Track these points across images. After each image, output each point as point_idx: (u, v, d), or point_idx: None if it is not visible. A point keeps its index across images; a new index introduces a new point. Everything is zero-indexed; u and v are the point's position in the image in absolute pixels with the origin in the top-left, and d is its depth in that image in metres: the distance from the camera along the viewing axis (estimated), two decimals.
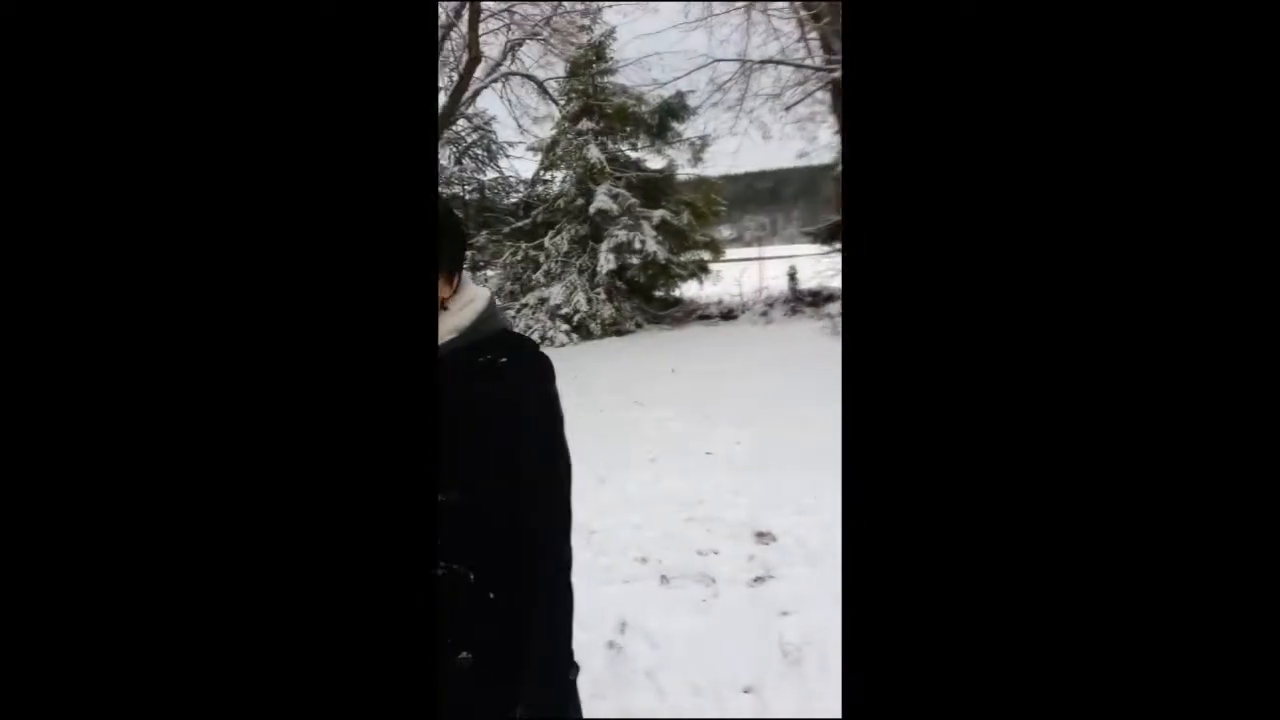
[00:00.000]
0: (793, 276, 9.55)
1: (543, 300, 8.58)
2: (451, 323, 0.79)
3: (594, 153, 8.62)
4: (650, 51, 17.21)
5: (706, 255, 9.34)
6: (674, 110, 9.32)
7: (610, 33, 9.01)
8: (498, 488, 0.78)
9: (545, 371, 0.81)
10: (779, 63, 8.24)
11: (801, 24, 8.16)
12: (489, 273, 9.35)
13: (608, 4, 8.92)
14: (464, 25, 6.70)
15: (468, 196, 10.18)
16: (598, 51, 8.90)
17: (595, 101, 8.88)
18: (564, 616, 0.79)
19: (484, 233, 9.37)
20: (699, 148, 9.38)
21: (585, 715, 0.84)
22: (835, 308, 7.74)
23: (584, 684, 0.84)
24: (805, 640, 1.83)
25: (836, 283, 8.11)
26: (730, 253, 10.74)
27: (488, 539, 0.79)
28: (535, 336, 8.04)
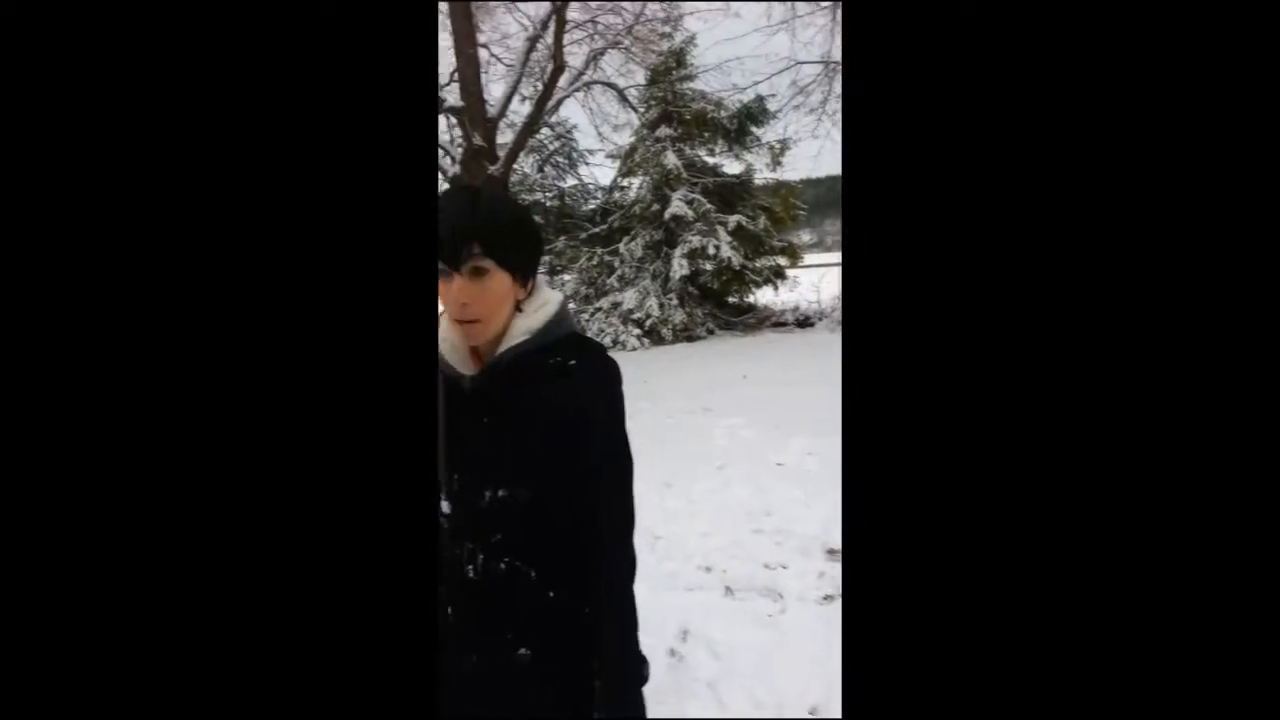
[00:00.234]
0: None
1: (615, 305, 8.68)
2: (524, 324, 0.80)
3: (671, 159, 8.65)
4: (731, 56, 17.18)
5: (783, 260, 9.17)
6: (753, 115, 9.23)
7: (691, 39, 9.04)
8: (563, 487, 0.79)
9: (613, 375, 0.82)
10: None
11: None
12: (565, 277, 9.55)
13: (690, 10, 8.97)
14: (549, 36, 6.89)
15: (548, 203, 10.46)
16: (678, 58, 8.94)
17: (674, 108, 8.92)
18: (631, 617, 0.80)
19: (562, 238, 9.60)
20: (778, 151, 9.24)
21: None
22: None
23: (645, 689, 0.83)
24: None
25: None
26: (809, 258, 10.49)
27: (551, 538, 0.80)
28: (607, 341, 8.15)
